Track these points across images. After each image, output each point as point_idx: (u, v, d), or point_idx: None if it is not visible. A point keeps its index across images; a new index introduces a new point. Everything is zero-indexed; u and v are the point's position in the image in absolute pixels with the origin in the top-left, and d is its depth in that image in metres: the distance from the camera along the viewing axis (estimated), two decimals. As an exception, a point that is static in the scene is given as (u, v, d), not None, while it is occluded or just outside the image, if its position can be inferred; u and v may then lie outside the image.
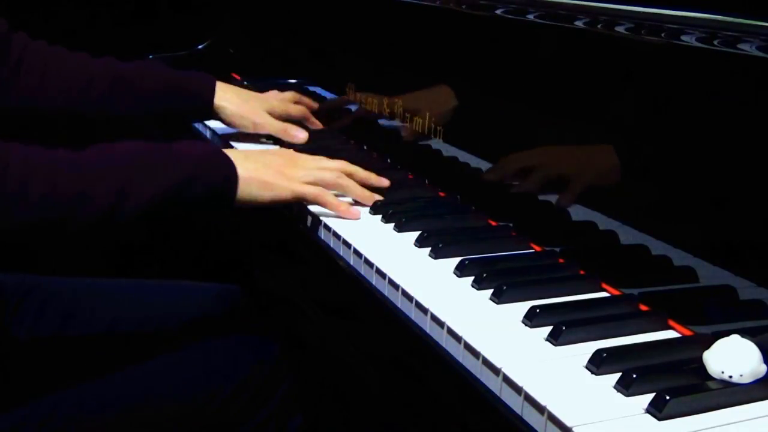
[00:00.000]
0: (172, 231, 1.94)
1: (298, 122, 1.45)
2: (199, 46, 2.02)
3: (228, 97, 1.39)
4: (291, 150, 1.21)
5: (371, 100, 1.43)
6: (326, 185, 1.11)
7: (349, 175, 1.14)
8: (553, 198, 1.03)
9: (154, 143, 1.03)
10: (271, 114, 1.41)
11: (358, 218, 1.10)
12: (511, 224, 1.09)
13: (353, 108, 1.50)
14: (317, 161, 1.14)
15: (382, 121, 1.41)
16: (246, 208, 1.06)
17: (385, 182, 1.18)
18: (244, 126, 1.41)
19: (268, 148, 1.36)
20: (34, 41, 1.32)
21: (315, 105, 1.51)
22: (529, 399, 0.71)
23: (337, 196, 1.12)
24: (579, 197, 1.00)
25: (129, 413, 1.10)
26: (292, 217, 1.17)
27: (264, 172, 1.06)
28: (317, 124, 1.48)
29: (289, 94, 1.49)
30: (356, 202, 1.13)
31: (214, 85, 1.38)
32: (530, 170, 1.08)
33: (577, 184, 1.01)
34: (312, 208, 1.12)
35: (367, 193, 1.14)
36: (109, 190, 0.92)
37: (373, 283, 0.96)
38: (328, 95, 1.62)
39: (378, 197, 1.14)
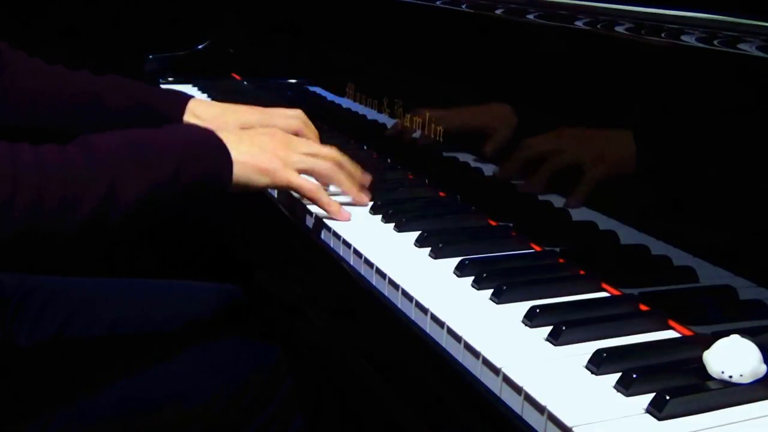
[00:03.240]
0: (172, 231, 1.94)
1: None
2: (199, 46, 2.02)
3: (198, 113, 1.31)
4: (280, 131, 1.14)
5: (371, 100, 1.43)
6: (320, 175, 1.09)
7: (340, 166, 1.11)
8: (556, 196, 1.03)
9: (141, 131, 0.98)
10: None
11: (349, 220, 1.09)
12: (511, 224, 1.09)
13: (352, 108, 1.51)
14: (310, 146, 1.11)
15: (382, 121, 1.41)
16: (240, 192, 1.03)
17: (368, 178, 1.15)
18: None
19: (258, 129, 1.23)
20: (14, 51, 1.30)
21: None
22: (529, 399, 0.71)
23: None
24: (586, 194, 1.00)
25: (130, 416, 1.10)
26: (292, 217, 1.17)
27: (260, 157, 1.03)
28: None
29: (292, 113, 1.31)
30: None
31: (185, 104, 1.31)
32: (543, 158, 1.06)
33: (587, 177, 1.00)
34: (312, 207, 1.12)
35: (357, 190, 1.13)
36: (98, 192, 0.88)
37: (373, 283, 0.96)
38: (328, 95, 1.62)
39: (367, 198, 1.14)
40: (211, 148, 1.00)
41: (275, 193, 1.24)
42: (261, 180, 1.03)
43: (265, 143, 1.06)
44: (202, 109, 1.31)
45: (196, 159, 0.97)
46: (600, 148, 0.99)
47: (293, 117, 1.28)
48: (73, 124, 1.31)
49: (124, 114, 1.30)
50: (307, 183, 1.07)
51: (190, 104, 1.31)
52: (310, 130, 1.28)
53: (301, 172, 1.07)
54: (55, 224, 0.86)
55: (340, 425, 1.45)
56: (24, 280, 1.22)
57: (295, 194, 1.17)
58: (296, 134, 1.25)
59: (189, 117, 1.30)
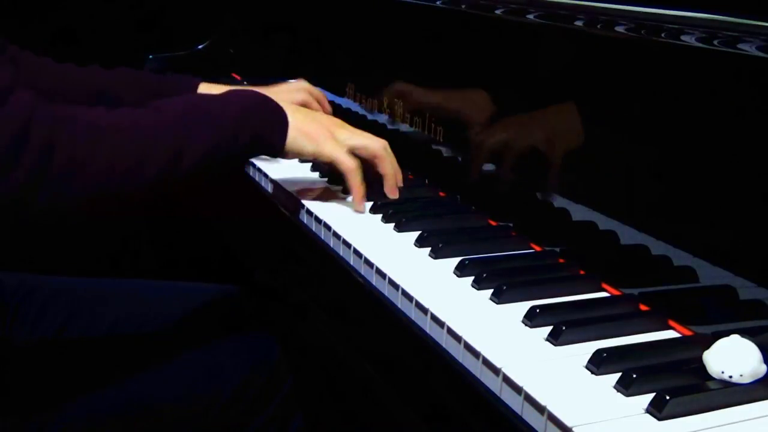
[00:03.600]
0: (172, 231, 1.94)
1: None
2: (199, 46, 2.02)
3: None
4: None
5: (371, 100, 1.43)
6: (370, 153, 1.11)
7: (387, 152, 1.13)
8: (556, 196, 1.03)
9: (205, 95, 1.07)
10: None
11: (363, 212, 1.11)
12: (511, 224, 1.09)
13: (352, 108, 1.51)
14: (361, 131, 1.14)
15: (382, 121, 1.41)
16: (291, 157, 1.09)
17: (400, 181, 1.17)
18: None
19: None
20: (23, 51, 1.30)
21: (328, 109, 1.42)
22: (529, 399, 0.71)
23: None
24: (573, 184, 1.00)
25: (129, 416, 1.10)
26: (292, 217, 1.17)
27: (313, 125, 1.09)
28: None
29: (295, 86, 1.40)
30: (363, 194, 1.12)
31: (195, 88, 1.31)
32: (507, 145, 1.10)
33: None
34: (312, 208, 1.12)
35: (395, 181, 1.14)
36: (166, 153, 0.93)
37: (373, 283, 0.96)
38: (329, 95, 1.62)
39: (397, 194, 1.14)
40: (269, 111, 1.06)
41: (273, 191, 1.24)
42: (309, 147, 1.08)
43: (320, 118, 1.13)
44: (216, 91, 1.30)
45: (255, 120, 1.03)
46: (600, 149, 0.99)
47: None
48: None
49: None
50: (350, 160, 1.09)
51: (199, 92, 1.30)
52: None
53: (351, 149, 1.10)
54: (124, 184, 0.90)
55: (340, 425, 1.44)
56: (24, 280, 1.22)
57: (297, 194, 1.17)
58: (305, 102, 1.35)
59: None
